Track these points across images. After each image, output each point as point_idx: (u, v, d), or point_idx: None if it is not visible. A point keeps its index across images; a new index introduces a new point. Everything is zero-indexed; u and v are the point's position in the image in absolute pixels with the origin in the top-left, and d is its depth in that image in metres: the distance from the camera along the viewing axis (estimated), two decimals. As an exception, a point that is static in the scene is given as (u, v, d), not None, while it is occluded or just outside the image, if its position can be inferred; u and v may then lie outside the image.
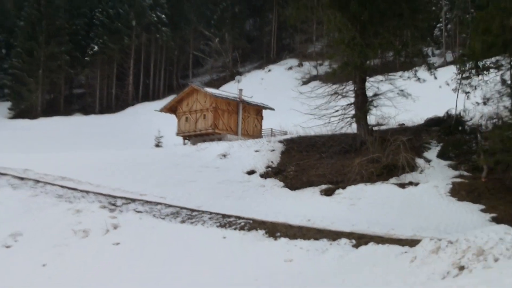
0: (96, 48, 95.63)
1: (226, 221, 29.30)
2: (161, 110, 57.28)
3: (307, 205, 32.23)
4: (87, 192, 35.18)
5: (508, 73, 32.34)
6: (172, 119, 56.57)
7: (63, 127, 75.35)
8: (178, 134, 54.77)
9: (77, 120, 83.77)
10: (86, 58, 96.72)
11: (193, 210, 31.38)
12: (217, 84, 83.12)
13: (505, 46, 31.34)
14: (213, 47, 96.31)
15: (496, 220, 27.80)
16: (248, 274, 22.81)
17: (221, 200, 33.96)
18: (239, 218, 29.37)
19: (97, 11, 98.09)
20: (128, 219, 30.48)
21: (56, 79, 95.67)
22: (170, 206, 32.34)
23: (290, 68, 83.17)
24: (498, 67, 34.29)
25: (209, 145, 46.42)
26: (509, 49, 31.73)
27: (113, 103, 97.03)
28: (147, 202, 33.21)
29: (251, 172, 40.15)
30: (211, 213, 30.64)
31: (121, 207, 32.36)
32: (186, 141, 54.24)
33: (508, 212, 28.80)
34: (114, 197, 34.11)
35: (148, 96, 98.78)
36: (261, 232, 27.40)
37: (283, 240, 26.03)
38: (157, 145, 55.12)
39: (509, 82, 30.69)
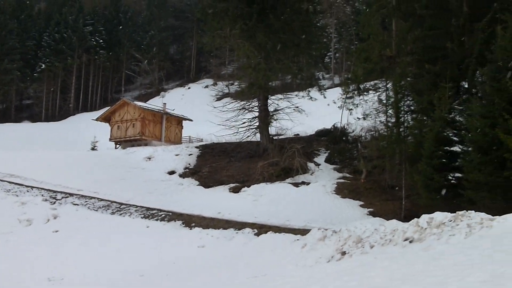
0: (43, 66, 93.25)
1: (150, 213, 29.07)
2: (97, 119, 55.98)
3: (218, 200, 32.02)
4: (32, 187, 34.11)
5: (384, 94, 32.74)
6: (106, 127, 55.28)
7: (13, 132, 72.58)
8: (111, 139, 53.61)
9: (26, 127, 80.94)
10: (35, 74, 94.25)
11: (121, 204, 31.05)
12: (145, 98, 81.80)
13: (382, 72, 32.18)
14: (142, 68, 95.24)
15: (373, 214, 28.21)
16: (167, 257, 22.57)
17: (146, 196, 33.51)
18: (161, 210, 29.19)
19: (45, 35, 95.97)
20: (66, 210, 29.99)
21: (8, 91, 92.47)
22: (102, 200, 31.90)
23: (207, 86, 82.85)
24: (376, 89, 34.98)
25: (137, 150, 45.55)
26: (385, 74, 32.49)
27: (56, 113, 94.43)
28: (83, 196, 32.63)
29: (171, 172, 39.68)
30: (137, 206, 30.38)
31: (61, 200, 31.70)
32: (117, 145, 53.13)
33: (382, 207, 29.18)
34: (55, 191, 33.28)
35: (87, 107, 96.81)
36: (179, 222, 27.25)
37: (197, 230, 25.92)
38: (93, 149, 53.69)
39: (384, 101, 30.82)
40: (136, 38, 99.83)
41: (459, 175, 23.35)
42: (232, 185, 35.50)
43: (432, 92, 25.70)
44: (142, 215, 28.98)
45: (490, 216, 14.97)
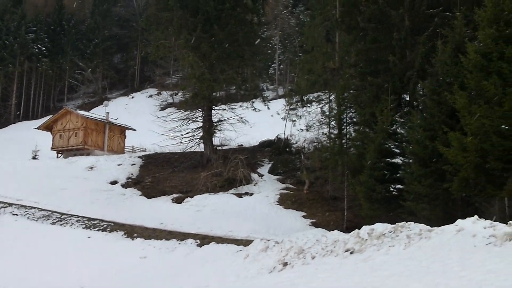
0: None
1: (91, 223, 28.61)
2: (39, 128, 54.35)
3: (161, 211, 31.49)
4: (-32, 197, 32.71)
5: (327, 106, 32.85)
6: (48, 136, 53.55)
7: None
8: (52, 148, 51.99)
9: (-34, 135, 77.68)
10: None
11: (63, 214, 30.40)
12: (88, 107, 79.87)
13: (326, 84, 32.28)
14: (86, 76, 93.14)
15: (315, 225, 28.14)
16: (108, 268, 22.15)
17: (88, 206, 32.56)
18: (103, 221, 28.73)
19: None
20: (4, 220, 29.30)
21: None
22: (43, 210, 31.15)
23: (151, 96, 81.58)
24: (319, 101, 34.98)
25: (79, 159, 44.34)
26: (328, 86, 32.53)
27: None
28: (22, 206, 31.81)
29: (114, 182, 38.66)
30: (78, 216, 29.80)
31: (-1, 210, 30.41)
32: (59, 155, 51.54)
33: (324, 218, 29.15)
34: (-8, 201, 31.98)
35: (28, 115, 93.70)
36: (120, 233, 26.87)
37: (139, 240, 25.62)
38: (34, 158, 51.82)
39: (327, 113, 31.18)
40: (80, 47, 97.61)
41: (400, 186, 23.49)
42: (175, 195, 34.90)
43: (374, 104, 25.82)
44: (84, 226, 28.44)
45: (429, 227, 15.00)
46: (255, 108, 40.97)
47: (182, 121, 41.07)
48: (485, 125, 16.94)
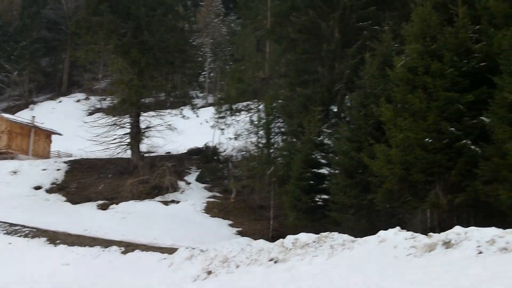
0: None
1: (13, 229, 27.76)
2: (-39, 131, 51.25)
3: (85, 217, 30.63)
4: None
5: (256, 115, 32.72)
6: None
7: None
8: (-25, 152, 49.19)
9: None
10: None
11: None
12: (13, 110, 76.62)
13: (255, 93, 32.17)
14: (12, 79, 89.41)
15: (241, 234, 27.92)
16: (29, 275, 21.37)
17: (9, 211, 31.02)
18: (25, 227, 27.90)
19: None
20: None
21: None
22: None
23: (78, 100, 79.31)
24: (248, 110, 34.91)
25: (2, 163, 42.22)
26: (257, 95, 32.53)
27: None
28: None
29: (38, 188, 37.35)
30: None
31: None
32: (-20, 159, 48.81)
33: (250, 227, 28.99)
34: None
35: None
36: (43, 239, 26.17)
37: (62, 247, 24.98)
38: (-48, 162, 48.83)
39: (256, 122, 30.96)
40: (7, 48, 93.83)
41: (326, 196, 23.34)
42: (100, 202, 34.00)
43: (302, 115, 25.79)
44: (5, 231, 27.50)
45: (352, 237, 14.96)
46: (184, 116, 40.37)
47: (110, 126, 40.06)
48: (409, 138, 16.93)
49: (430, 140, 16.37)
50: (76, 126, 45.57)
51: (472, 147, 15.63)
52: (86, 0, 39.26)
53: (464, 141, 15.83)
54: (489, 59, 15.81)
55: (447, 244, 11.65)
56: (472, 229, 11.66)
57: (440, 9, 17.78)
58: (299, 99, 26.79)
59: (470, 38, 16.69)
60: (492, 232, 11.08)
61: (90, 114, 60.57)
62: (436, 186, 16.89)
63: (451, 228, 12.06)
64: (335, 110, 27.20)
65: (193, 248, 20.56)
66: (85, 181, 37.87)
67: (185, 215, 30.78)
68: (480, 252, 10.60)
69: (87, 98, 75.79)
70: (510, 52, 14.00)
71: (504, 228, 11.24)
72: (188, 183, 36.79)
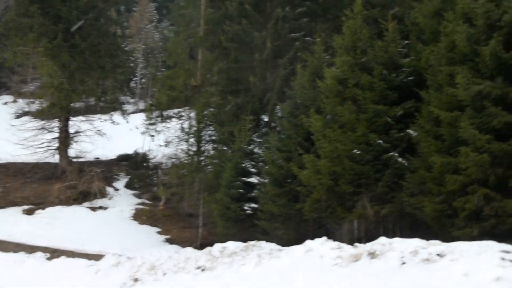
0: None
1: None
2: None
3: (10, 223, 29.08)
4: None
5: (187, 122, 32.34)
6: None
7: None
8: None
9: None
10: None
11: None
12: None
13: (186, 100, 31.93)
14: None
15: (170, 241, 27.49)
16: None
17: None
18: None
19: None
20: None
21: None
22: None
23: (6, 103, 75.68)
24: (179, 117, 34.41)
25: None
26: (189, 103, 32.17)
27: None
28: None
29: (-42, 191, 35.03)
30: None
31: None
32: None
33: (179, 234, 28.44)
34: None
35: None
36: None
37: None
38: None
39: (187, 129, 30.39)
40: None
41: (255, 205, 23.17)
42: (26, 207, 32.34)
43: (234, 124, 25.64)
44: None
45: (279, 246, 14.70)
46: (114, 121, 39.27)
47: (38, 130, 38.36)
48: (338, 149, 16.80)
49: (358, 152, 16.29)
50: (2, 129, 43.59)
51: (399, 159, 15.62)
52: (16, 1, 37.57)
53: (392, 153, 15.80)
54: (417, 73, 15.88)
55: (372, 255, 11.52)
56: (397, 240, 11.54)
57: (370, 23, 17.86)
58: (230, 107, 26.59)
59: (399, 52, 16.77)
60: (415, 243, 10.98)
61: (18, 117, 58.00)
62: (363, 197, 16.77)
63: (377, 238, 11.87)
64: (266, 119, 27.16)
65: (120, 255, 19.97)
66: (11, 185, 35.99)
67: (113, 222, 29.98)
68: (403, 263, 10.45)
69: (14, 101, 72.60)
70: (437, 68, 14.04)
71: (428, 239, 11.15)
72: (117, 190, 35.76)
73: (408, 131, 15.57)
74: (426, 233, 15.03)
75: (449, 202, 13.10)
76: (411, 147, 15.41)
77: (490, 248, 9.68)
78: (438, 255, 10.13)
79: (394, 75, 16.39)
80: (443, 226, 13.71)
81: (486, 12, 12.24)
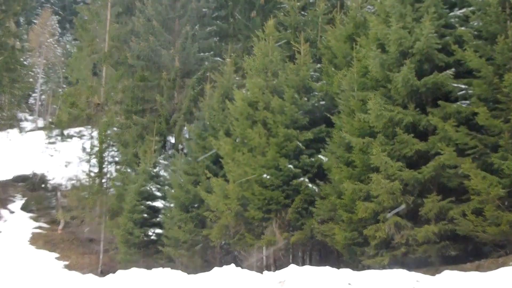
0: None
1: None
2: None
3: None
4: None
5: (89, 142, 31.13)
6: None
7: None
8: None
9: None
10: None
11: None
12: None
13: (89, 119, 31.02)
14: None
15: (68, 268, 26.64)
16: None
17: None
18: None
19: None
20: None
21: None
22: None
23: None
24: (80, 136, 33.49)
25: None
26: (91, 122, 31.28)
27: None
28: None
29: None
30: None
31: None
32: None
33: (79, 260, 27.74)
34: None
35: None
36: None
37: None
38: None
39: (88, 150, 29.59)
40: None
41: (160, 231, 22.50)
42: None
43: (138, 145, 25.27)
44: None
45: (185, 274, 13.80)
46: (10, 139, 37.39)
47: None
48: (247, 173, 16.30)
49: (268, 176, 15.86)
50: None
51: (310, 185, 15.33)
52: None
53: (302, 178, 15.50)
54: (329, 98, 15.81)
55: (282, 283, 11.04)
56: (307, 268, 11.11)
57: (282, 45, 17.69)
58: (135, 127, 26.14)
59: (311, 76, 16.70)
60: (326, 271, 10.58)
61: None
62: (273, 224, 16.36)
63: (287, 266, 11.41)
64: (173, 141, 26.89)
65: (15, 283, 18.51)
66: None
67: (7, 246, 28.32)
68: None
69: None
70: (349, 93, 13.89)
71: (339, 267, 10.84)
72: (12, 212, 34.10)
73: (319, 156, 15.35)
74: (337, 261, 14.94)
75: (360, 229, 12.86)
76: (322, 172, 15.19)
77: (401, 277, 9.49)
78: (349, 284, 9.80)
79: (306, 99, 16.22)
80: (354, 254, 13.45)
81: (399, 38, 12.22)
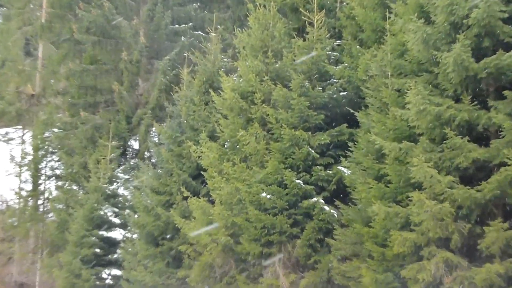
0: None
1: None
2: None
3: None
4: None
5: (19, 148, 32.25)
6: None
7: None
8: None
9: None
10: None
11: None
12: None
13: (19, 116, 31.34)
14: None
15: None
16: None
17: None
18: None
19: None
20: None
21: None
22: None
23: None
24: (7, 140, 33.93)
25: None
26: (23, 120, 31.89)
27: None
28: None
29: None
30: None
31: None
32: None
33: None
34: None
35: None
36: None
37: None
38: None
39: (18, 159, 30.20)
40: None
41: (118, 272, 23.07)
42: None
43: (88, 152, 25.59)
44: None
45: None
46: None
47: None
48: (240, 191, 16.44)
49: (268, 196, 15.99)
50: None
51: (326, 208, 15.47)
52: None
53: (315, 199, 15.64)
54: (352, 87, 16.08)
55: None
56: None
57: (289, 14, 18.19)
58: (84, 128, 26.40)
59: (327, 57, 16.91)
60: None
61: None
62: (274, 262, 16.51)
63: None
64: (136, 147, 27.25)
65: None
66: None
67: None
68: None
69: None
70: (380, 80, 14.02)
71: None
72: None
73: (339, 168, 15.47)
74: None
75: (396, 270, 12.97)
76: (343, 190, 15.35)
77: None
78: None
79: (320, 88, 16.37)
80: (387, 303, 13.59)
81: (449, 5, 12.23)
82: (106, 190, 24.09)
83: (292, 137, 15.82)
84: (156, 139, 24.75)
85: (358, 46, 16.00)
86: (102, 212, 23.88)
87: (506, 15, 11.98)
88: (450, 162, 12.16)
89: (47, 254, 26.45)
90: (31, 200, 28.17)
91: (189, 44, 24.66)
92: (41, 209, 27.89)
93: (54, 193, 27.99)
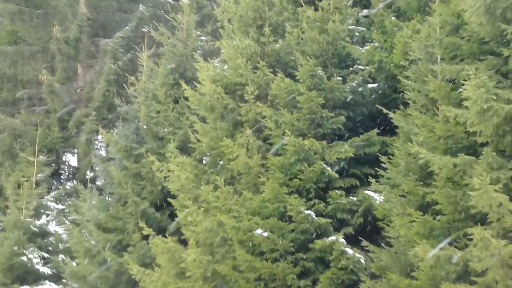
0: None
1: None
2: None
3: None
4: None
5: None
6: None
7: None
8: None
9: None
10: None
11: None
12: None
13: None
14: None
15: None
16: None
17: None
18: None
19: None
20: None
21: None
22: None
23: None
24: None
25: None
26: None
27: None
28: None
29: None
30: None
31: None
32: None
33: None
34: None
35: None
36: None
37: None
38: None
39: None
40: None
41: None
42: None
43: (5, 170, 25.86)
44: None
45: None
46: None
47: None
48: (223, 227, 16.65)
49: (265, 234, 16.08)
50: None
51: (349, 250, 15.53)
52: None
53: (334, 237, 15.68)
54: (385, 76, 16.30)
55: None
56: None
57: None
58: None
59: (349, 33, 17.17)
60: None
61: None
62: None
63: None
64: (75, 163, 27.37)
65: None
66: None
67: None
68: None
69: None
70: (425, 66, 14.06)
71: None
72: None
73: (367, 192, 15.56)
74: None
75: None
76: (372, 225, 15.56)
77: None
78: None
79: (340, 78, 16.51)
80: None
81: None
82: (31, 226, 24.12)
83: (299, 148, 15.90)
84: (103, 152, 24.94)
85: (393, 18, 16.09)
86: (25, 259, 23.71)
87: None
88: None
89: None
90: None
91: (150, 15, 24.72)
92: None
93: None
